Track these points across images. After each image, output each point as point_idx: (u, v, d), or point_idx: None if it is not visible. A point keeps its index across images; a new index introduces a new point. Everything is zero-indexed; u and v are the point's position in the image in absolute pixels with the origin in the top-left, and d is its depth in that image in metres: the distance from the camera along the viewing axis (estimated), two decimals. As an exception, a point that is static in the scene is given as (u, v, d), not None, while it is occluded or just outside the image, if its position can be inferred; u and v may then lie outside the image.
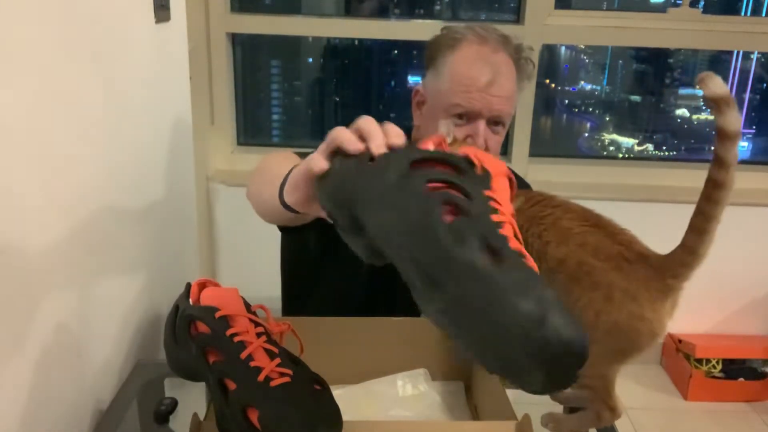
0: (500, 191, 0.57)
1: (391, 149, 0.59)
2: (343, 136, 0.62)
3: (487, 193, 0.55)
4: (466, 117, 1.11)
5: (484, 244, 0.49)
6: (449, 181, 0.55)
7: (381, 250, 0.55)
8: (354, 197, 0.57)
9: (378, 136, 0.60)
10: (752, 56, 2.79)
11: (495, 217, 0.53)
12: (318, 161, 0.63)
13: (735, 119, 0.68)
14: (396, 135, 0.61)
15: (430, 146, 0.61)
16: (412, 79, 2.84)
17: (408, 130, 1.23)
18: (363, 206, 0.56)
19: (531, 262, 0.51)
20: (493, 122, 1.12)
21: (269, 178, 0.83)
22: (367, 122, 0.62)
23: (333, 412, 0.76)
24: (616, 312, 0.76)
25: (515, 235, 0.54)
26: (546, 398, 1.01)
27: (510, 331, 0.45)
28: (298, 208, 0.72)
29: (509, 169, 0.63)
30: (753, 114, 2.91)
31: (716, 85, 0.67)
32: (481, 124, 1.10)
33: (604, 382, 0.83)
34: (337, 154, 0.62)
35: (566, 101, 3.10)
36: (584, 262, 0.79)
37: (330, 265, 1.24)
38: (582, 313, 0.78)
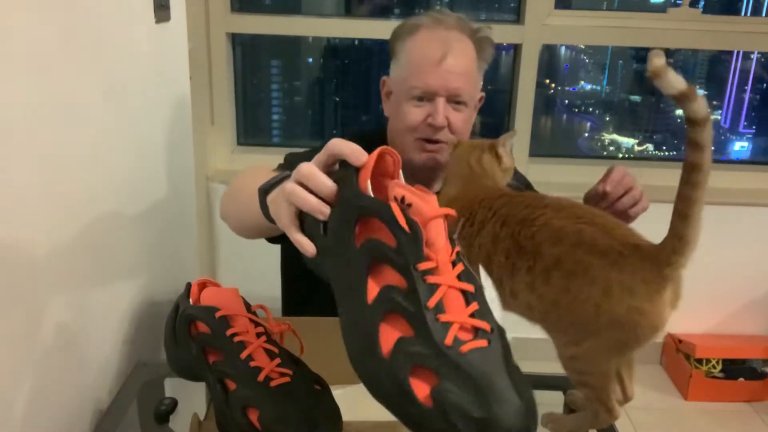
0: (435, 241, 0.57)
1: (336, 195, 0.61)
2: (306, 204, 0.62)
3: (421, 266, 0.56)
4: (426, 98, 1.11)
5: (416, 369, 0.53)
6: (384, 259, 0.57)
7: None
8: (327, 275, 0.63)
9: (313, 204, 0.61)
10: (752, 56, 2.79)
11: (432, 300, 0.55)
12: (304, 247, 0.63)
13: (701, 107, 0.69)
14: (323, 185, 0.61)
15: (367, 181, 0.60)
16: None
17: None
18: (337, 298, 0.62)
19: (474, 333, 0.55)
20: (454, 101, 1.12)
21: (250, 195, 0.80)
22: (307, 175, 0.62)
23: (333, 412, 0.76)
24: (616, 306, 0.77)
25: (460, 289, 0.56)
26: (546, 398, 1.02)
27: None
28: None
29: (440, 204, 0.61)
30: (753, 114, 2.91)
31: (675, 81, 0.68)
32: (440, 102, 1.10)
33: (603, 380, 0.83)
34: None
35: (566, 101, 3.10)
36: (580, 260, 0.79)
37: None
38: (582, 307, 0.78)
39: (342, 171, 0.63)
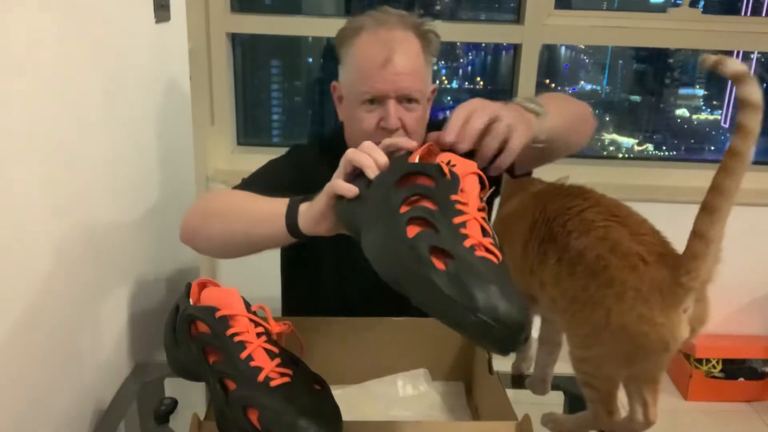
0: (468, 190, 0.69)
1: (383, 168, 0.75)
2: (361, 160, 0.76)
3: (454, 197, 0.67)
4: (376, 101, 1.11)
5: (433, 250, 0.62)
6: (421, 193, 0.68)
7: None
8: (358, 223, 0.72)
9: (370, 161, 0.75)
10: (752, 56, 2.79)
11: (457, 219, 0.65)
12: (346, 187, 0.76)
13: (756, 90, 0.68)
14: (380, 156, 0.76)
15: (416, 158, 0.74)
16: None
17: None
18: (362, 231, 0.70)
19: (487, 252, 0.64)
20: (405, 100, 1.11)
21: (249, 216, 0.93)
22: (366, 148, 0.77)
23: (333, 412, 0.76)
24: (626, 312, 0.75)
25: (482, 227, 0.66)
26: (546, 398, 1.02)
27: (458, 320, 0.59)
28: (316, 232, 0.84)
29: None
30: (753, 114, 2.90)
31: (734, 64, 0.68)
32: (391, 105, 1.09)
33: (608, 385, 0.82)
34: (357, 177, 0.77)
35: (566, 101, 3.10)
36: (602, 257, 0.78)
37: (330, 265, 1.24)
38: (594, 309, 0.77)
39: (394, 157, 0.77)
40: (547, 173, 1.10)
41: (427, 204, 0.67)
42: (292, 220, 0.85)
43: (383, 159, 0.76)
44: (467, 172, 0.70)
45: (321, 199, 0.81)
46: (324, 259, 1.24)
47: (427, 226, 0.65)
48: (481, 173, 0.71)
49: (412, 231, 0.64)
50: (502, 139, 0.80)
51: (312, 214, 0.83)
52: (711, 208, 0.71)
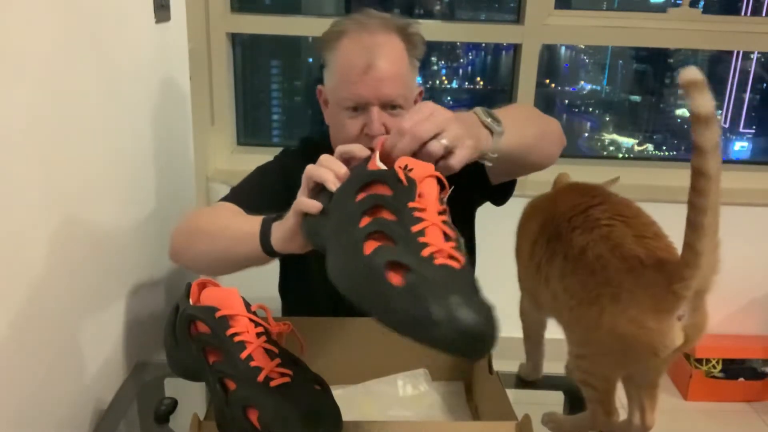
0: (426, 194, 0.68)
1: (344, 179, 0.74)
2: (321, 174, 0.76)
3: (411, 204, 0.66)
4: (359, 107, 1.09)
5: (389, 264, 0.60)
6: (380, 204, 0.66)
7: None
8: (323, 241, 0.71)
9: (330, 175, 0.75)
10: (752, 56, 2.79)
11: (416, 227, 0.64)
12: (309, 204, 0.75)
13: (707, 101, 0.65)
14: (338, 167, 0.76)
15: (377, 160, 0.73)
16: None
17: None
18: (327, 250, 0.69)
19: (449, 259, 0.61)
20: (389, 106, 1.10)
21: (226, 236, 0.94)
22: (324, 162, 0.77)
23: (333, 412, 0.76)
24: (619, 314, 0.75)
25: (443, 232, 0.65)
26: (546, 398, 1.02)
27: (421, 336, 0.57)
28: (289, 251, 0.84)
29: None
30: (753, 114, 2.91)
31: (688, 72, 0.65)
32: (374, 111, 1.08)
33: (605, 385, 0.82)
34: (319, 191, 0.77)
35: (566, 101, 3.10)
36: (601, 256, 0.77)
37: (322, 273, 1.23)
38: (589, 308, 0.77)
39: (354, 164, 0.77)
40: (542, 173, 1.09)
41: (385, 215, 0.66)
42: (265, 239, 0.86)
43: (342, 170, 0.76)
44: (424, 175, 0.68)
45: (290, 218, 0.81)
46: (315, 266, 1.24)
47: (385, 240, 0.63)
48: (439, 175, 0.69)
49: (370, 247, 0.63)
50: (437, 157, 0.76)
51: (282, 233, 0.83)
52: (694, 225, 0.68)
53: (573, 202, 0.86)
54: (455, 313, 0.56)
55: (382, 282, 0.59)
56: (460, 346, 0.56)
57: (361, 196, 0.69)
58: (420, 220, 0.65)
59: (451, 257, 0.62)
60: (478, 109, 0.86)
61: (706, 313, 0.78)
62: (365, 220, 0.66)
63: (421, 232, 0.63)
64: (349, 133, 1.11)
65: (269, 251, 0.86)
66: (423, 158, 0.74)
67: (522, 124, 0.94)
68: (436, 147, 0.75)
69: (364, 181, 0.70)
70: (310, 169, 0.78)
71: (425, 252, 0.61)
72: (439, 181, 0.69)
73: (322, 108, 1.21)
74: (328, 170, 0.76)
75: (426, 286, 0.58)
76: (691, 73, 0.65)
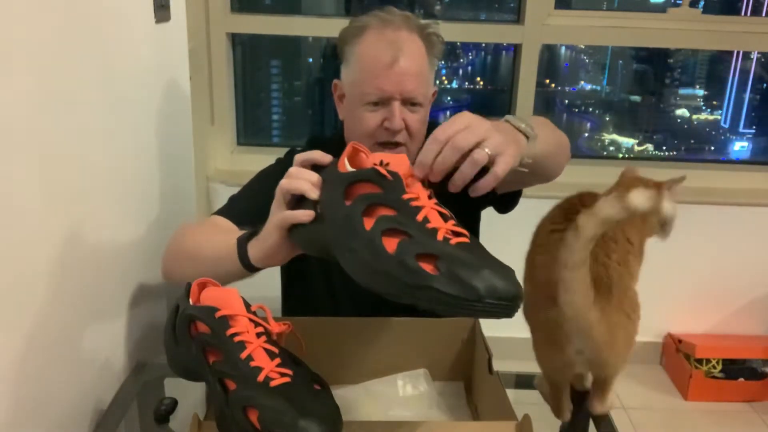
0: (412, 183, 0.72)
1: (321, 183, 0.77)
2: (297, 186, 0.78)
3: (405, 196, 0.70)
4: (381, 102, 1.10)
5: (419, 256, 0.65)
6: (375, 202, 0.70)
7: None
8: (328, 248, 0.73)
9: (306, 184, 0.78)
10: (752, 56, 2.79)
11: (420, 216, 0.68)
12: (300, 214, 0.77)
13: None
14: (310, 176, 0.79)
15: (345, 162, 0.76)
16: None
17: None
18: (337, 255, 0.72)
19: (457, 236, 0.67)
20: (409, 103, 1.11)
21: (207, 256, 0.97)
22: (293, 174, 0.80)
23: (333, 412, 0.76)
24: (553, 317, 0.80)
25: (440, 212, 0.69)
26: (535, 397, 1.02)
27: (468, 312, 0.63)
28: (272, 265, 0.88)
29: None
30: (753, 114, 2.91)
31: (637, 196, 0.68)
32: (396, 106, 1.09)
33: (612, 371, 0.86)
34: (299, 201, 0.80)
35: (566, 101, 3.10)
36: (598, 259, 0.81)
37: (330, 267, 1.24)
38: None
39: (322, 170, 0.79)
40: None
41: (385, 212, 0.69)
42: (243, 258, 0.88)
43: (315, 177, 0.78)
44: (405, 173, 0.72)
45: (273, 235, 0.82)
46: (317, 270, 1.24)
47: (401, 235, 0.67)
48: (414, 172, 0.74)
49: (390, 245, 0.66)
50: (479, 167, 0.73)
51: (264, 250, 0.85)
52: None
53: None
54: (494, 284, 0.62)
55: (421, 275, 0.63)
56: (501, 310, 0.63)
57: (351, 198, 0.71)
58: (419, 208, 0.69)
59: (458, 234, 0.67)
60: (509, 117, 0.85)
61: (607, 364, 0.84)
62: (369, 221, 0.68)
63: (426, 219, 0.68)
64: (368, 128, 1.11)
65: (249, 267, 0.88)
66: (467, 169, 0.73)
67: (546, 134, 0.94)
68: (481, 155, 0.72)
69: (348, 182, 0.73)
70: (283, 183, 0.80)
71: (439, 236, 0.66)
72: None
73: (337, 103, 1.21)
74: (303, 180, 0.78)
75: (460, 267, 0.63)
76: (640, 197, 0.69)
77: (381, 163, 0.72)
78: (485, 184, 0.74)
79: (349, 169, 0.75)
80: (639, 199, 0.66)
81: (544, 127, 0.99)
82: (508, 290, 0.63)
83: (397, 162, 0.73)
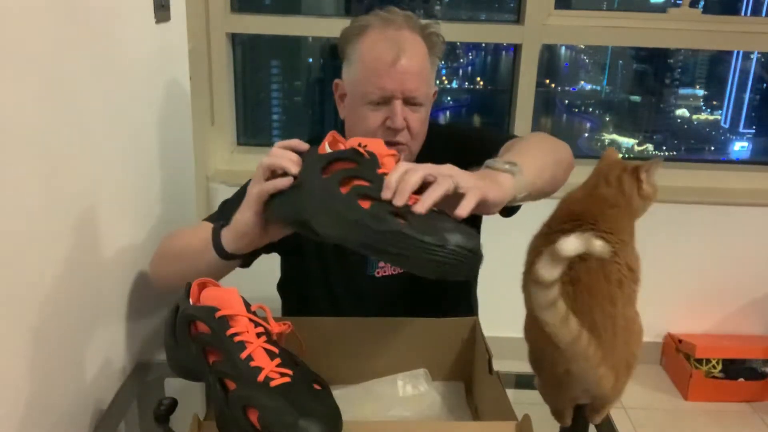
0: (388, 164, 0.80)
1: (301, 163, 0.84)
2: (279, 162, 0.85)
3: (380, 171, 0.78)
4: (383, 101, 1.10)
5: (393, 213, 0.73)
6: (351, 176, 0.78)
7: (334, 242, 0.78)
8: (302, 213, 0.80)
9: (288, 161, 0.84)
10: (752, 56, 2.79)
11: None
12: (278, 181, 0.84)
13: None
14: (291, 155, 0.86)
15: (326, 146, 0.85)
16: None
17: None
18: (310, 217, 0.79)
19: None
20: (411, 102, 1.11)
21: (188, 252, 1.01)
22: (277, 151, 0.86)
23: (333, 412, 0.76)
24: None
25: None
26: (532, 397, 1.02)
27: (431, 257, 0.70)
28: (242, 249, 0.93)
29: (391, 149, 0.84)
30: (753, 114, 2.91)
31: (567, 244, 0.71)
32: (397, 105, 1.09)
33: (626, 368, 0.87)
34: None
35: (566, 101, 3.10)
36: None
37: (329, 267, 1.24)
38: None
39: (302, 154, 0.86)
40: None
41: (360, 183, 0.77)
42: (218, 246, 0.94)
43: (295, 156, 0.86)
44: (383, 153, 0.81)
45: (245, 213, 0.88)
46: (324, 260, 1.24)
47: (372, 200, 0.75)
48: (394, 153, 0.83)
49: (365, 204, 0.75)
50: (443, 190, 0.76)
51: (234, 233, 0.91)
52: None
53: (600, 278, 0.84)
54: (456, 234, 0.70)
55: (393, 223, 0.72)
56: (464, 259, 0.70)
57: (328, 172, 0.80)
58: None
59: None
60: (489, 162, 0.88)
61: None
62: (345, 189, 0.77)
63: None
64: (370, 126, 1.11)
65: (225, 256, 0.94)
66: (431, 191, 0.76)
67: (536, 157, 0.97)
68: (445, 180, 0.76)
69: (328, 159, 0.81)
70: (264, 160, 0.86)
71: (411, 202, 0.74)
72: (395, 158, 0.82)
73: (337, 102, 1.21)
74: (284, 158, 0.85)
75: (426, 221, 0.72)
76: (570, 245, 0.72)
77: (360, 145, 0.81)
78: (459, 212, 0.76)
79: (329, 151, 0.84)
80: (568, 246, 0.71)
81: (537, 149, 1.03)
82: (469, 241, 0.71)
83: (374, 144, 0.83)
